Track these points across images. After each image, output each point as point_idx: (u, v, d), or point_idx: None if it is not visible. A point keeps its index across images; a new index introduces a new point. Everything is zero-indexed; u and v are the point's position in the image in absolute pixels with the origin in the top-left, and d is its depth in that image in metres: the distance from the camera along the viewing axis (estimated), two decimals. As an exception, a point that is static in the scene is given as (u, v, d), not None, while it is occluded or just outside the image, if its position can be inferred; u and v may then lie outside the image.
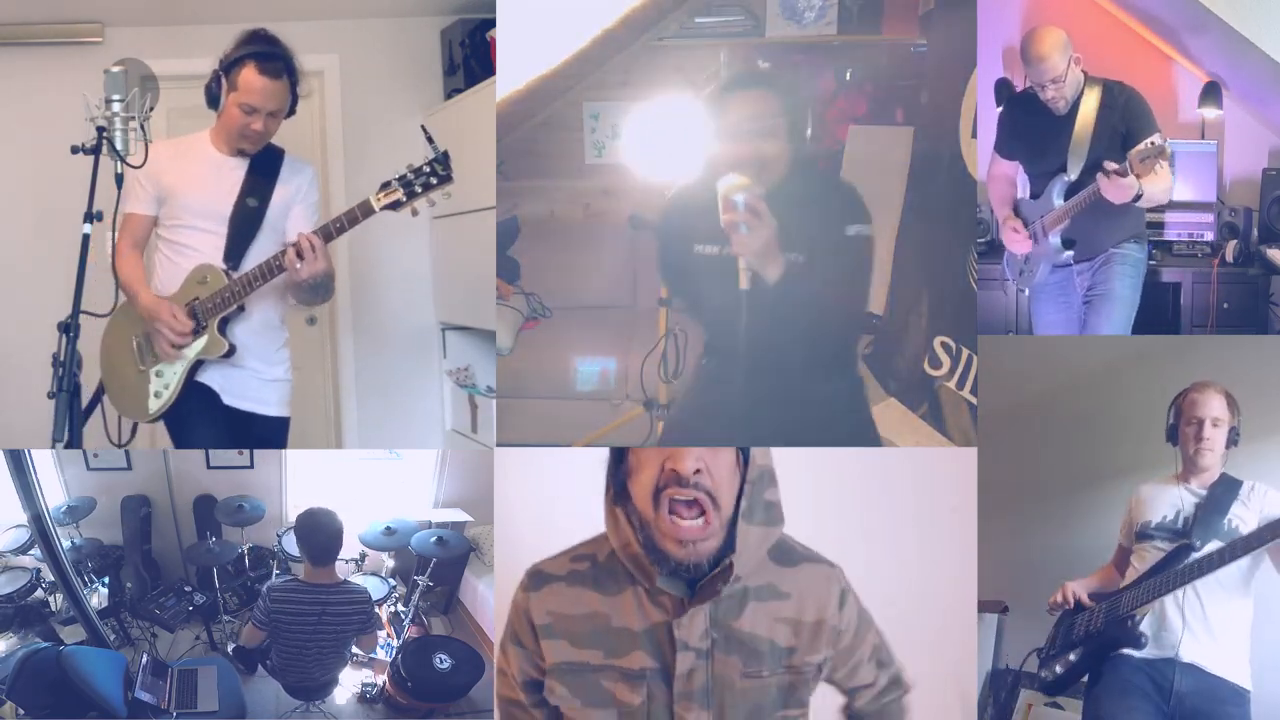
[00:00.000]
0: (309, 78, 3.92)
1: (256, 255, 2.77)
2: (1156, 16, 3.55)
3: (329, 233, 2.63)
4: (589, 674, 1.43)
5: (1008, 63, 3.98)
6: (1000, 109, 3.27)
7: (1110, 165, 2.86)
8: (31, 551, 3.30)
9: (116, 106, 2.42)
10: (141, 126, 2.46)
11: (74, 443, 2.28)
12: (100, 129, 2.41)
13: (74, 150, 2.42)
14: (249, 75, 2.72)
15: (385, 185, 2.61)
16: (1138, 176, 2.80)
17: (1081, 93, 3.01)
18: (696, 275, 2.22)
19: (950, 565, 2.54)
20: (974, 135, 3.33)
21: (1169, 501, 2.41)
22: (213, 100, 2.79)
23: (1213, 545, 2.25)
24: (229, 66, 2.75)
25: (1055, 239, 3.09)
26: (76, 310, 2.32)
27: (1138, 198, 2.90)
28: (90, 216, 2.38)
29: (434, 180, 2.58)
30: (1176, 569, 2.25)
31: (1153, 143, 2.79)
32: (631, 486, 1.41)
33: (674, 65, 4.56)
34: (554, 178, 4.70)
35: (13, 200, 3.82)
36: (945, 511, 2.58)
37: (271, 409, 2.92)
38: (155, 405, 2.79)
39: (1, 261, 3.82)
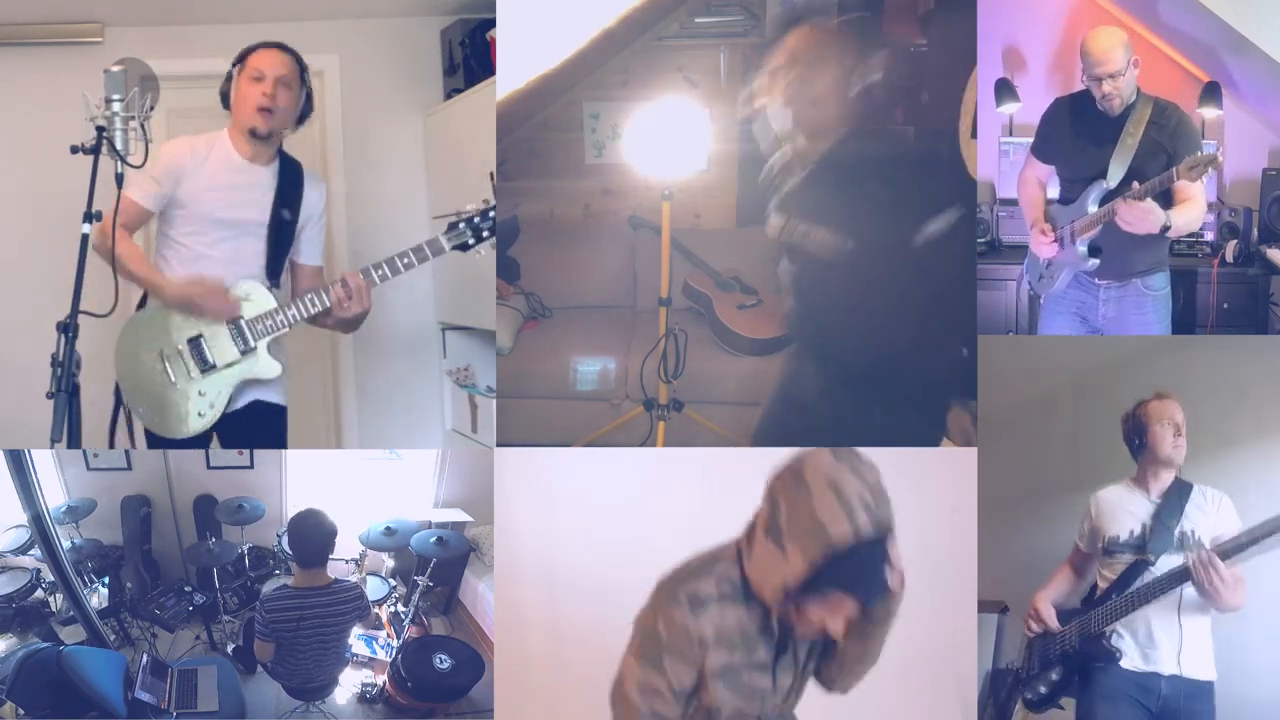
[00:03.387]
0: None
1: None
2: (1161, 19, 3.55)
3: (384, 274, 2.74)
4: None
5: (1008, 63, 3.98)
6: (1045, 110, 3.18)
7: (1134, 188, 2.84)
8: (31, 551, 3.30)
9: (116, 106, 2.41)
10: (142, 126, 2.45)
11: (73, 443, 2.28)
12: (100, 129, 2.40)
13: (74, 150, 2.42)
14: (257, 53, 2.82)
15: (453, 227, 2.77)
16: (1189, 181, 2.79)
17: (1135, 104, 2.95)
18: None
19: (950, 565, 2.55)
20: (974, 135, 3.32)
21: (1131, 513, 2.51)
22: (225, 99, 2.86)
23: (1166, 559, 2.41)
24: (240, 59, 2.84)
25: (1082, 246, 3.02)
26: (75, 310, 2.31)
27: (1165, 229, 2.86)
28: (90, 216, 2.37)
29: (486, 233, 2.79)
30: (1135, 589, 2.43)
31: (1204, 151, 2.78)
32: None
33: (674, 65, 4.56)
34: (554, 178, 4.69)
35: (13, 200, 3.82)
36: (945, 511, 2.59)
37: (276, 396, 2.95)
38: (197, 424, 2.77)
39: (1, 261, 3.82)
